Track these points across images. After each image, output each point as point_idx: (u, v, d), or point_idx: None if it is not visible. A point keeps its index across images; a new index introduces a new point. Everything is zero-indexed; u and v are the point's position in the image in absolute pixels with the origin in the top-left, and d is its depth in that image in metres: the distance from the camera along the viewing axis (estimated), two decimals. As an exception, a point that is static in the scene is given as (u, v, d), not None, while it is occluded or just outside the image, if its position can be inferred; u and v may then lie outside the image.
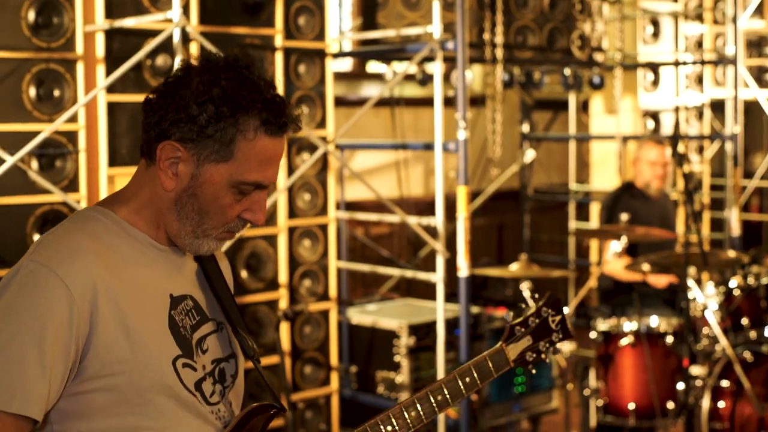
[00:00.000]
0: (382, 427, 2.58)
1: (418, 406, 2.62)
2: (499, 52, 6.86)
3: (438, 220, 6.17)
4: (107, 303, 2.28)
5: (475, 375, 2.72)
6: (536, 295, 2.84)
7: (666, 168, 7.19)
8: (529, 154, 9.15)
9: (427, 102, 8.44)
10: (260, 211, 2.42)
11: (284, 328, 6.06)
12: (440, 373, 6.22)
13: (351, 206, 7.73)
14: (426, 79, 7.82)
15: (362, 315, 6.97)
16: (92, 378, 2.28)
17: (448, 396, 2.67)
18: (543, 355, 2.82)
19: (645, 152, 7.10)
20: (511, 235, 9.78)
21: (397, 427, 2.59)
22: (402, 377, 6.60)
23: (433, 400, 2.64)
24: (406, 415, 2.60)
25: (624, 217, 6.30)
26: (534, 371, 2.82)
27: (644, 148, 7.13)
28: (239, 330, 2.55)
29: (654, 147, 7.10)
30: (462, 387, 2.70)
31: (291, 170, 6.13)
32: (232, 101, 2.31)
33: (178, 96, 2.34)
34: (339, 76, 8.41)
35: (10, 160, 4.77)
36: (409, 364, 6.60)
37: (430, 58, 6.64)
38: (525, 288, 2.86)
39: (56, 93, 5.30)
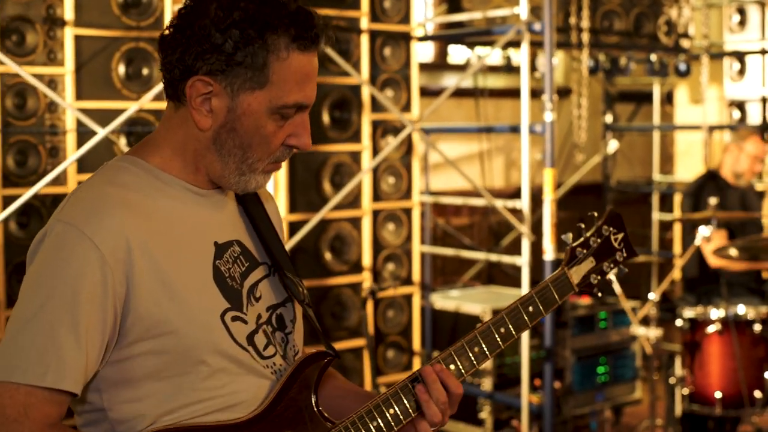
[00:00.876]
0: (367, 420, 2.32)
1: (495, 332, 2.42)
2: (585, 37, 6.80)
3: (524, 203, 6.13)
4: (143, 260, 2.11)
5: (539, 303, 2.47)
6: (595, 214, 2.61)
7: (763, 163, 7.12)
8: (612, 145, 9.07)
9: (510, 93, 8.41)
10: (305, 135, 2.24)
11: (368, 310, 6.05)
12: (524, 360, 6.17)
13: (435, 194, 7.70)
14: (510, 68, 7.79)
15: (445, 300, 6.95)
16: (136, 342, 2.12)
17: (511, 328, 2.44)
18: (608, 276, 2.58)
19: (749, 146, 6.99)
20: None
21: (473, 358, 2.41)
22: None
23: (497, 334, 2.43)
24: (469, 352, 2.41)
25: (713, 201, 6.21)
26: (600, 295, 2.58)
27: (749, 141, 7.02)
28: (288, 273, 2.36)
29: (759, 143, 7.01)
30: (526, 317, 2.46)
31: (376, 153, 6.13)
32: (257, 22, 2.13)
33: (197, 26, 2.14)
34: (421, 66, 8.39)
35: (101, 132, 4.82)
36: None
37: (514, 44, 6.61)
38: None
39: (145, 71, 5.35)
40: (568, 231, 2.63)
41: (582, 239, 2.57)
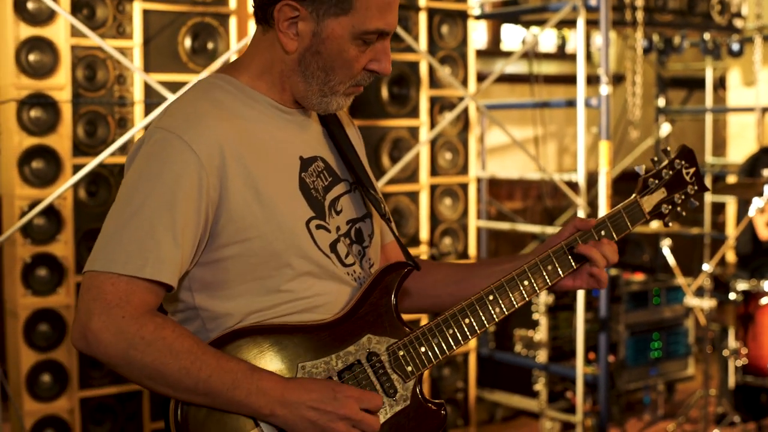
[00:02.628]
0: (518, 280, 2.48)
1: (554, 260, 2.52)
2: (640, 15, 6.87)
3: (579, 176, 6.20)
4: (236, 167, 2.25)
5: (611, 228, 2.57)
6: (668, 149, 2.69)
7: None
8: (665, 128, 9.11)
9: (563, 79, 8.49)
10: (386, 60, 2.35)
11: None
12: (579, 332, 6.25)
13: (490, 181, 7.79)
14: (564, 54, 7.84)
15: (500, 276, 7.02)
16: (227, 244, 2.26)
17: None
18: (678, 208, 2.66)
19: None
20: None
21: (533, 282, 2.50)
22: (540, 335, 6.66)
23: (570, 256, 2.53)
24: (542, 270, 2.51)
25: (766, 172, 6.27)
26: (670, 224, 2.68)
27: None
28: (371, 190, 2.50)
29: None
30: (597, 240, 2.56)
31: (433, 126, 6.23)
32: None
33: None
34: (475, 52, 8.48)
35: (171, 98, 4.95)
36: (547, 323, 6.66)
37: (568, 23, 6.68)
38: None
39: (210, 45, 5.49)
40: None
41: (654, 170, 2.65)
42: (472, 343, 6.58)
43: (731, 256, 8.43)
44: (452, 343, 2.43)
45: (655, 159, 2.68)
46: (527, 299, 2.52)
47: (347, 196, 2.48)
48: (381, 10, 2.29)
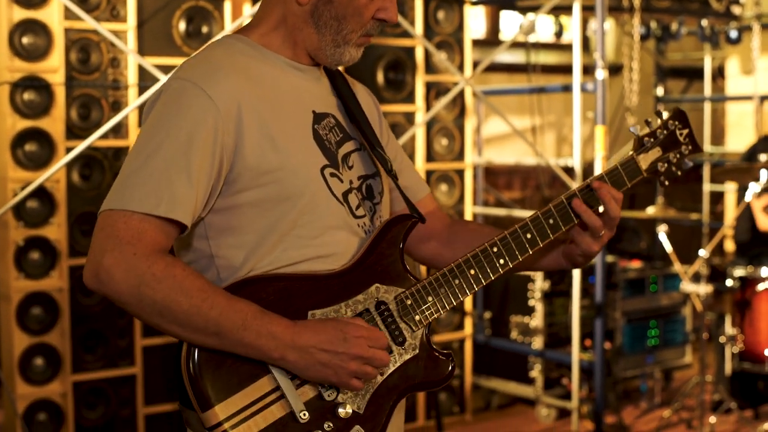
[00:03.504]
0: (521, 233, 2.52)
1: (555, 213, 2.54)
2: (637, 1, 6.85)
3: (575, 161, 6.19)
4: (252, 115, 2.30)
5: (608, 183, 2.59)
6: (662, 110, 2.74)
7: None
8: (663, 117, 9.08)
9: (561, 69, 8.47)
10: (393, 8, 2.42)
11: (423, 271, 6.13)
12: (575, 318, 6.24)
13: (487, 170, 7.77)
14: (561, 46, 7.81)
15: (496, 263, 7.01)
16: (243, 190, 2.31)
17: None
18: (673, 168, 2.70)
19: None
20: (643, 201, 9.73)
21: (536, 235, 2.53)
22: (536, 322, 6.64)
23: (569, 206, 2.54)
24: (544, 223, 2.53)
25: (763, 157, 6.24)
26: (666, 183, 2.70)
27: None
28: (378, 149, 2.54)
29: None
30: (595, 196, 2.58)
31: (429, 109, 6.22)
32: None
33: None
34: (473, 43, 8.47)
35: (163, 79, 4.94)
36: (543, 309, 6.64)
37: (565, 9, 6.66)
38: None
39: (204, 29, 5.48)
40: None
41: (649, 130, 2.70)
42: (468, 329, 6.57)
43: (730, 245, 8.41)
44: (458, 293, 2.48)
45: (650, 120, 2.72)
46: (530, 252, 2.54)
47: (357, 153, 2.53)
48: None
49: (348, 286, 2.40)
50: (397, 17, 2.45)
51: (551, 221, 2.54)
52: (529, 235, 2.53)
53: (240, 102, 2.29)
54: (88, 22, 4.93)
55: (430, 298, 2.45)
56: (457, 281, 2.47)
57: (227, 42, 2.44)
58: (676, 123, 2.72)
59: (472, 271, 2.49)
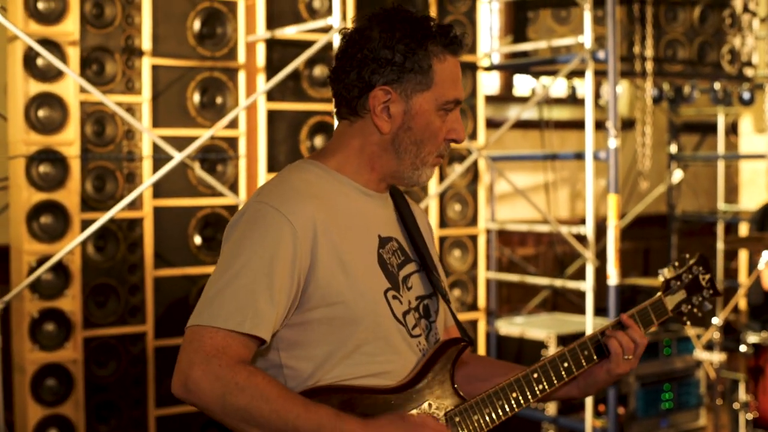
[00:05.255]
0: (559, 362, 2.78)
1: (589, 345, 2.81)
2: (649, 65, 6.87)
3: (588, 229, 6.19)
4: (325, 239, 2.50)
5: (638, 321, 2.87)
6: (687, 255, 3.04)
7: None
8: (677, 175, 9.09)
9: (575, 124, 8.49)
10: (461, 129, 2.66)
11: (434, 335, 6.13)
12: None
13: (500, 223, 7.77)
14: (575, 99, 7.86)
15: (510, 326, 7.02)
16: (314, 308, 2.51)
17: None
18: (695, 309, 3.00)
19: None
20: (657, 259, 9.72)
21: (572, 364, 2.79)
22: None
23: (593, 346, 2.81)
24: (580, 354, 2.80)
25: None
26: (688, 324, 3.00)
27: None
28: (434, 272, 2.77)
29: None
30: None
31: (442, 179, 6.23)
32: (416, 34, 2.56)
33: (366, 50, 2.58)
34: (487, 99, 8.49)
35: (177, 156, 4.97)
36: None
37: (578, 73, 6.69)
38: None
39: (219, 100, 5.52)
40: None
41: (675, 273, 3.01)
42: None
43: (743, 303, 8.38)
44: (500, 414, 2.70)
45: (676, 264, 3.03)
46: (566, 379, 2.78)
47: (417, 274, 2.74)
48: (454, 81, 2.63)
49: (404, 401, 2.61)
50: (464, 136, 2.69)
51: (586, 353, 2.80)
52: (566, 364, 2.78)
53: (316, 226, 2.50)
54: (102, 100, 4.96)
55: (476, 417, 2.67)
56: (500, 402, 2.70)
57: (304, 167, 2.66)
58: (700, 268, 3.03)
59: (514, 394, 2.72)
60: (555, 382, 2.77)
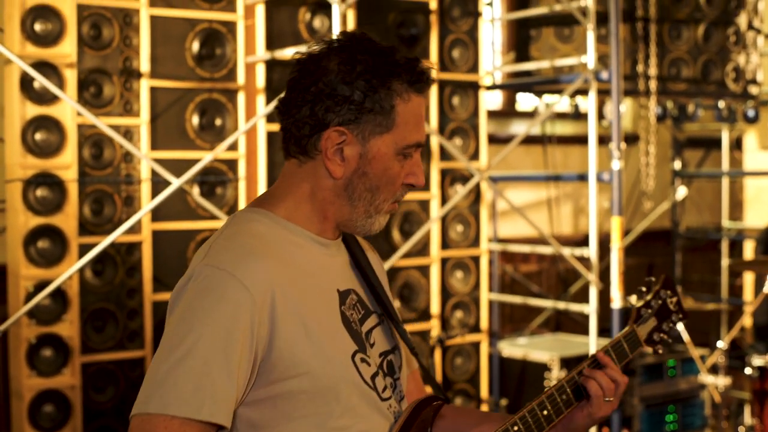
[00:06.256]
0: (538, 410, 2.58)
1: (567, 389, 2.62)
2: (653, 84, 6.82)
3: (591, 251, 6.14)
4: (285, 303, 2.24)
5: (613, 356, 2.71)
6: (652, 279, 2.92)
7: None
8: (681, 191, 9.03)
9: (578, 140, 8.44)
10: (420, 172, 2.42)
11: (436, 358, 6.08)
12: (592, 407, 6.16)
13: (503, 242, 7.72)
14: (578, 114, 7.82)
15: (513, 348, 6.96)
16: (277, 381, 2.25)
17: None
18: (665, 336, 2.88)
19: None
20: (661, 274, 9.68)
21: (552, 411, 2.58)
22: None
23: (570, 389, 2.63)
24: (558, 399, 2.60)
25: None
26: (660, 351, 2.88)
27: None
28: (396, 322, 2.56)
29: None
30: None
31: (444, 201, 6.18)
32: (379, 70, 2.31)
33: (322, 83, 2.32)
34: (490, 114, 8.43)
35: (175, 182, 4.92)
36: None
37: (582, 92, 6.64)
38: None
39: (218, 122, 5.46)
40: (637, 278, 2.97)
41: (644, 301, 2.88)
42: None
43: (749, 322, 8.33)
44: None
45: (643, 290, 2.92)
46: (546, 428, 2.58)
47: (378, 328, 2.51)
48: (417, 122, 2.38)
49: None
50: (423, 180, 2.45)
51: (564, 397, 2.60)
52: (545, 412, 2.57)
53: (274, 289, 2.24)
54: (98, 125, 4.90)
55: None
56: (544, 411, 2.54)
57: (252, 217, 2.39)
58: (668, 292, 2.91)
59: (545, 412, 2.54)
60: None
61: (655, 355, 6.65)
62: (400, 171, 2.38)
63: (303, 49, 2.42)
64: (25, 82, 5.01)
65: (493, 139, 7.66)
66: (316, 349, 2.27)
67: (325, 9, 5.55)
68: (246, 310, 2.19)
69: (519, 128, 8.70)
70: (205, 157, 5.12)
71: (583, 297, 6.69)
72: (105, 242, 4.89)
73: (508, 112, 9.12)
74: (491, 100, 8.78)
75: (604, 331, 6.45)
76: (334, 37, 2.40)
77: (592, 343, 6.19)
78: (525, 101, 9.17)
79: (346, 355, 2.34)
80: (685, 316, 2.93)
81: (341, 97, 2.31)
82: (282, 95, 2.41)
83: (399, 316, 2.60)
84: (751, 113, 7.94)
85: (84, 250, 5.07)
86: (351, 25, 5.67)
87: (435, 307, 6.19)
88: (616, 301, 5.95)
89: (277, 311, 2.23)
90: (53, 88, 4.77)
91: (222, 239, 2.33)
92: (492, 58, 7.25)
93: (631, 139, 9.04)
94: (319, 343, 2.28)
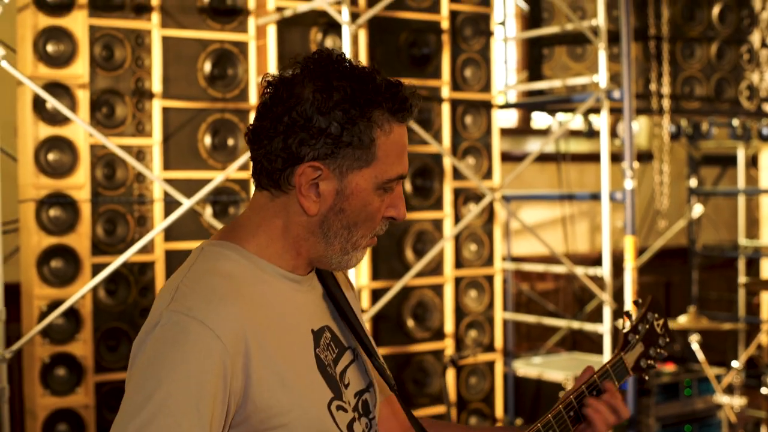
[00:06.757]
0: None
1: (566, 416, 2.48)
2: (666, 103, 6.81)
3: (605, 271, 6.13)
4: (258, 350, 2.07)
5: (600, 386, 2.55)
6: (639, 301, 2.79)
7: None
8: (697, 209, 9.00)
9: (593, 157, 8.41)
10: (402, 205, 2.23)
11: (450, 377, 6.07)
12: (607, 426, 6.14)
13: (517, 261, 7.72)
14: (592, 132, 7.81)
15: (528, 367, 6.94)
16: None
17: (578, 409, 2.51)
18: (653, 362, 2.74)
19: None
20: (678, 292, 9.63)
21: None
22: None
23: (567, 417, 2.48)
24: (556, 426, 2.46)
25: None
26: (647, 378, 2.76)
27: None
28: (373, 355, 2.38)
29: None
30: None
31: (457, 220, 6.17)
32: (358, 100, 2.11)
33: (295, 113, 2.11)
34: (504, 132, 8.44)
35: (186, 203, 4.93)
36: (574, 417, 6.52)
37: (595, 110, 6.64)
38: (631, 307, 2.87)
39: (230, 142, 5.47)
40: (650, 295, 2.81)
41: (631, 326, 2.73)
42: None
43: (766, 340, 8.29)
44: None
45: (630, 313, 2.75)
46: None
47: (353, 365, 2.34)
48: (399, 154, 2.19)
49: None
50: (405, 213, 2.26)
51: (563, 426, 2.48)
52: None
53: (247, 335, 2.06)
54: (109, 146, 4.91)
55: None
56: None
57: (221, 253, 2.19)
58: (655, 315, 2.75)
59: None
60: None
61: (672, 376, 6.65)
62: (380, 205, 2.20)
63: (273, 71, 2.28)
64: (38, 102, 5.03)
65: (508, 157, 7.67)
66: (292, 399, 2.10)
67: (337, 29, 5.56)
68: (218, 361, 2.00)
69: (535, 146, 8.70)
70: (217, 177, 5.13)
71: (598, 316, 6.66)
72: (117, 261, 4.90)
73: (524, 129, 9.12)
74: (506, 118, 8.78)
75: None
76: (309, 56, 2.20)
77: (604, 362, 6.15)
78: (540, 119, 9.17)
79: (323, 405, 2.17)
80: (672, 339, 2.80)
81: (316, 129, 2.10)
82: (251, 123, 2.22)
83: (374, 344, 2.42)
84: (765, 131, 7.92)
85: (97, 269, 5.08)
86: (362, 46, 5.69)
87: (449, 326, 6.18)
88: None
89: (251, 360, 2.06)
90: (65, 110, 4.79)
91: (189, 280, 2.12)
92: (505, 76, 7.25)
93: (646, 156, 9.02)
94: (295, 392, 2.11)
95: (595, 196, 6.41)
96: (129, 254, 4.93)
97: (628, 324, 2.73)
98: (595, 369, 2.60)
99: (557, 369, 6.75)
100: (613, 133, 7.43)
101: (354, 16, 5.35)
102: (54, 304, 5.01)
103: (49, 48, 5.06)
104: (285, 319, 2.18)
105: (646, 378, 2.76)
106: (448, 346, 6.14)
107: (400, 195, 2.24)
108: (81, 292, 4.89)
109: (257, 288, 2.16)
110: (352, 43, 5.11)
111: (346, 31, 5.10)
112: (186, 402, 1.96)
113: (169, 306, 2.07)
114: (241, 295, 2.11)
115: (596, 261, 7.89)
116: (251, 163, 2.23)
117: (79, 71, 5.13)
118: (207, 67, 5.42)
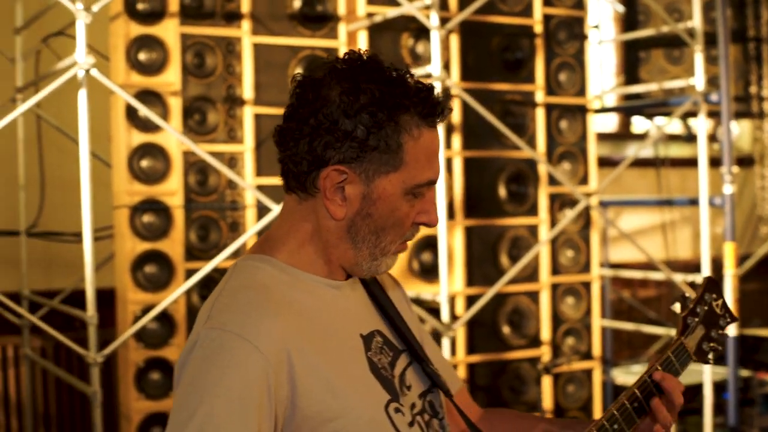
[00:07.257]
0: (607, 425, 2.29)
1: (632, 410, 2.34)
2: (766, 106, 6.67)
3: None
4: (302, 360, 2.04)
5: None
6: (695, 283, 2.62)
7: None
8: (698, 292, 8.80)
9: (693, 162, 8.28)
10: (434, 211, 2.19)
11: (547, 385, 5.99)
12: (707, 436, 6.03)
13: (615, 267, 7.61)
14: (691, 137, 7.68)
15: (627, 375, 6.84)
16: None
17: (644, 402, 2.35)
18: (715, 344, 2.55)
19: None
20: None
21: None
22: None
23: (631, 409, 2.33)
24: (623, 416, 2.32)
25: None
26: (711, 362, 2.56)
27: None
28: (425, 360, 2.33)
29: None
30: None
31: (553, 226, 6.10)
32: (385, 103, 2.08)
33: (321, 115, 2.08)
34: (604, 137, 8.35)
35: (276, 209, 4.93)
36: (675, 427, 6.42)
37: (693, 114, 6.52)
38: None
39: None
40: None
41: (689, 308, 2.55)
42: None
43: None
44: None
45: (687, 296, 2.58)
46: None
47: (411, 368, 2.29)
48: (429, 159, 2.15)
49: None
50: (438, 218, 2.22)
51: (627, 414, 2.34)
52: (616, 425, 2.30)
53: (288, 346, 2.03)
54: (199, 153, 4.93)
55: None
56: None
57: (255, 266, 2.18)
58: (713, 296, 2.57)
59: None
60: None
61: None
62: (410, 211, 2.16)
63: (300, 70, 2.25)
64: (131, 110, 5.08)
65: (608, 162, 7.57)
66: (344, 405, 2.07)
67: (429, 34, 5.52)
68: (259, 374, 1.98)
69: (631, 151, 8.58)
70: (307, 183, 5.11)
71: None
72: (209, 266, 4.91)
73: (624, 134, 9.01)
74: (606, 123, 8.67)
75: (720, 358, 6.29)
76: (340, 56, 2.17)
77: (707, 371, 6.05)
78: (640, 123, 9.05)
79: (379, 408, 2.13)
80: (734, 319, 2.63)
81: (342, 132, 2.07)
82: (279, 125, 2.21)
83: (428, 347, 2.40)
84: None
85: (190, 275, 5.10)
86: (454, 51, 5.65)
87: (546, 334, 6.10)
88: (730, 329, 5.80)
89: (295, 369, 2.03)
90: (156, 119, 4.82)
91: (224, 297, 2.12)
92: (600, 80, 7.16)
93: (749, 161, 8.85)
94: (347, 398, 2.08)
95: (694, 202, 6.29)
96: (221, 259, 4.94)
97: (684, 308, 2.55)
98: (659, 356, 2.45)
99: (656, 377, 6.63)
100: (714, 137, 7.29)
101: (444, 21, 5.31)
102: (148, 309, 5.04)
103: (141, 56, 5.11)
104: (327, 325, 2.15)
105: (710, 362, 2.57)
106: (545, 354, 6.07)
107: (431, 200, 2.20)
108: (173, 296, 4.92)
109: (295, 297, 2.14)
110: (443, 48, 5.07)
111: (435, 36, 5.07)
112: (229, 416, 1.94)
113: (206, 324, 2.07)
114: (277, 306, 2.09)
115: (699, 268, 7.75)
116: (280, 166, 2.22)
117: (171, 79, 5.17)
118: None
